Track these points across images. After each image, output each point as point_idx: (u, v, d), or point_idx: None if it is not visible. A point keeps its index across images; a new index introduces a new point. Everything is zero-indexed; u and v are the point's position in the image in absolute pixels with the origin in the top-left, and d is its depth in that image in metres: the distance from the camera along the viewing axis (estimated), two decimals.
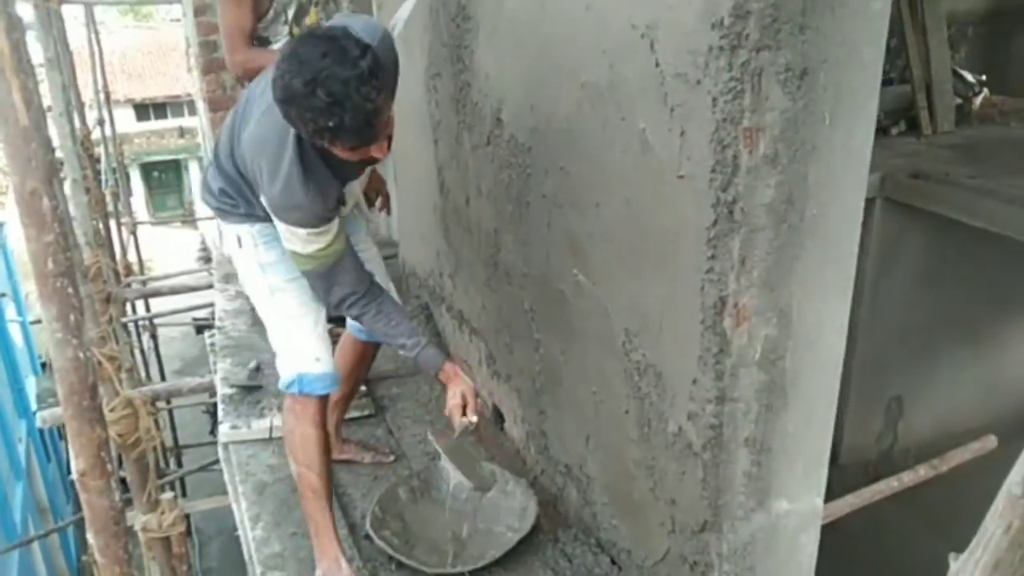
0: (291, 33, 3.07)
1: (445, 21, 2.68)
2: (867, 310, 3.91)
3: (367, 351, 2.53)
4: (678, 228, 1.59)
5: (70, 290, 1.37)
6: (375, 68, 1.61)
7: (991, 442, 2.71)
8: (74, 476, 1.46)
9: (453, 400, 2.01)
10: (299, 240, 1.87)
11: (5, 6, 1.26)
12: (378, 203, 2.56)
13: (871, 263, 3.83)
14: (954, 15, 4.81)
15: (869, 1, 1.38)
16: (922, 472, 2.61)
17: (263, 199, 1.89)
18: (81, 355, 1.40)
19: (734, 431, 1.59)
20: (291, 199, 1.80)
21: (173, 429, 8.16)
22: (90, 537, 1.52)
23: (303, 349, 2.07)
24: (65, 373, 1.40)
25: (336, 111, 1.59)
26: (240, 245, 2.09)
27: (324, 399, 2.12)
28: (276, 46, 2.96)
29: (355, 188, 2.17)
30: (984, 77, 4.86)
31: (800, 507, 1.72)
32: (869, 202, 3.63)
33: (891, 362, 4.07)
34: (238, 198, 2.04)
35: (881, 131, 4.55)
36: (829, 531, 2.37)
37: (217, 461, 4.62)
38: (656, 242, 1.68)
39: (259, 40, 2.87)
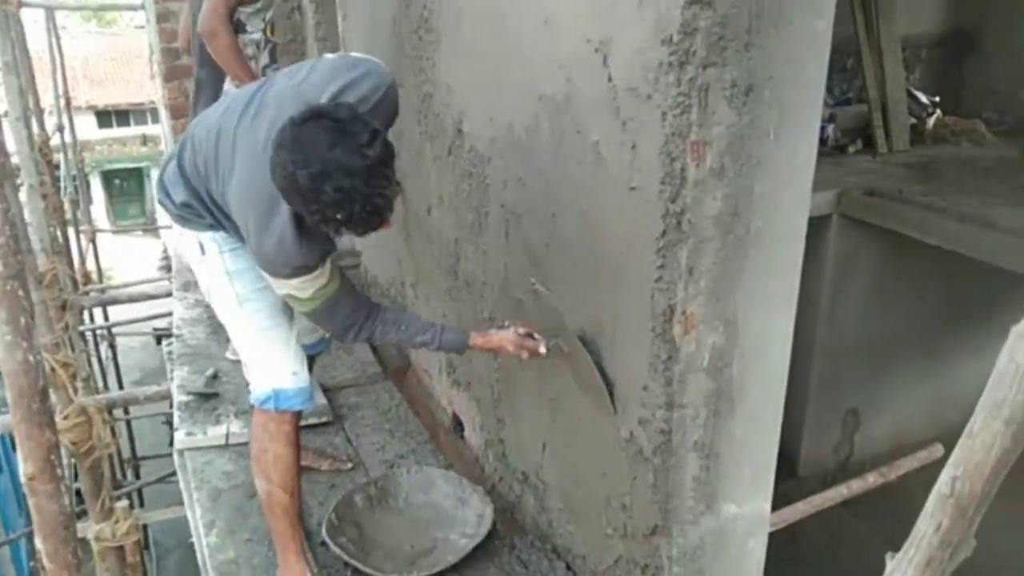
0: (266, 33, 3.10)
1: (407, 33, 2.71)
2: (824, 324, 4.00)
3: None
4: (630, 238, 1.63)
5: (20, 293, 1.37)
6: (386, 156, 1.55)
7: (938, 451, 2.78)
8: (22, 480, 1.45)
9: (518, 351, 1.94)
10: (294, 288, 1.79)
11: None
12: None
13: (828, 278, 3.92)
14: (909, 38, 4.96)
15: (813, 20, 1.43)
16: (871, 480, 2.67)
17: (251, 250, 1.80)
18: (31, 358, 1.40)
19: (683, 436, 1.63)
20: (283, 256, 1.72)
21: (131, 440, 8.01)
22: (38, 543, 1.50)
23: (278, 363, 1.97)
24: (15, 376, 1.40)
25: (346, 205, 1.52)
26: (203, 252, 1.97)
27: (298, 416, 2.03)
28: (248, 37, 3.00)
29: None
30: (937, 99, 5.01)
31: (748, 511, 1.76)
32: (825, 218, 3.78)
33: (848, 375, 4.17)
34: (205, 215, 1.93)
35: (838, 149, 4.68)
36: (789, 542, 2.42)
37: (175, 472, 4.56)
38: (609, 252, 1.72)
39: (235, 24, 2.90)
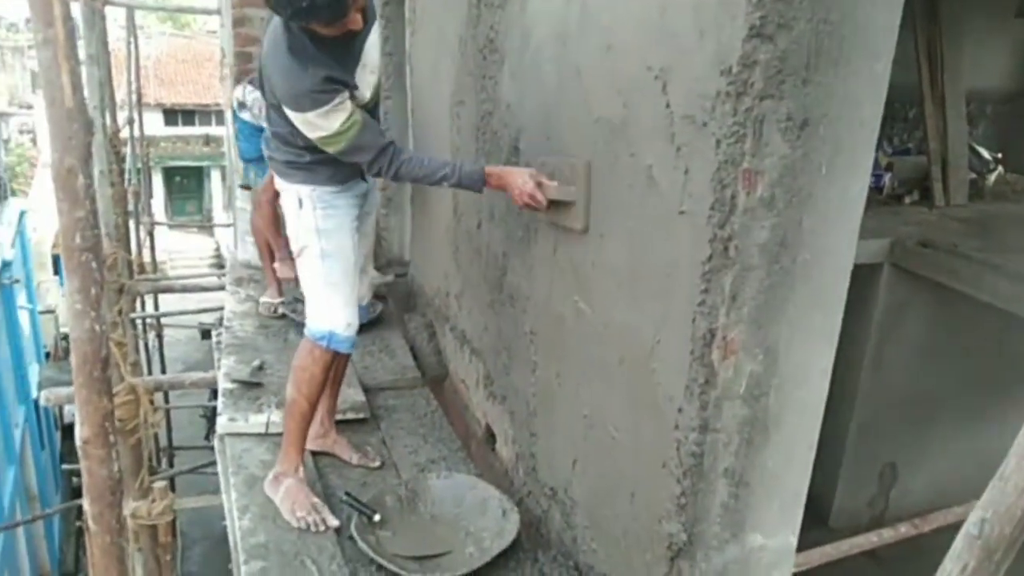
0: None
1: (472, 52, 2.78)
2: (868, 374, 3.93)
3: None
4: (675, 261, 1.66)
5: (93, 264, 1.45)
6: None
7: (973, 507, 2.73)
8: (78, 443, 1.52)
9: (521, 198, 2.13)
10: (322, 121, 2.04)
11: None
12: None
13: (875, 328, 3.86)
14: (974, 92, 4.90)
15: (872, 62, 1.46)
16: (903, 530, 2.64)
17: (284, 106, 2.08)
18: (97, 328, 1.47)
19: (714, 461, 1.64)
20: (296, 85, 2.01)
21: (168, 430, 8.20)
22: (86, 505, 1.57)
23: (338, 313, 2.32)
24: (80, 343, 1.48)
25: None
26: (300, 206, 2.28)
27: (337, 353, 2.38)
28: None
29: (369, 78, 2.23)
30: (1000, 155, 4.94)
31: (775, 544, 1.76)
32: (877, 267, 3.74)
33: (888, 428, 4.09)
34: (290, 148, 2.23)
35: (895, 199, 4.63)
36: None
37: (208, 464, 4.66)
38: (653, 274, 1.75)
39: None
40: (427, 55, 3.56)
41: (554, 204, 2.10)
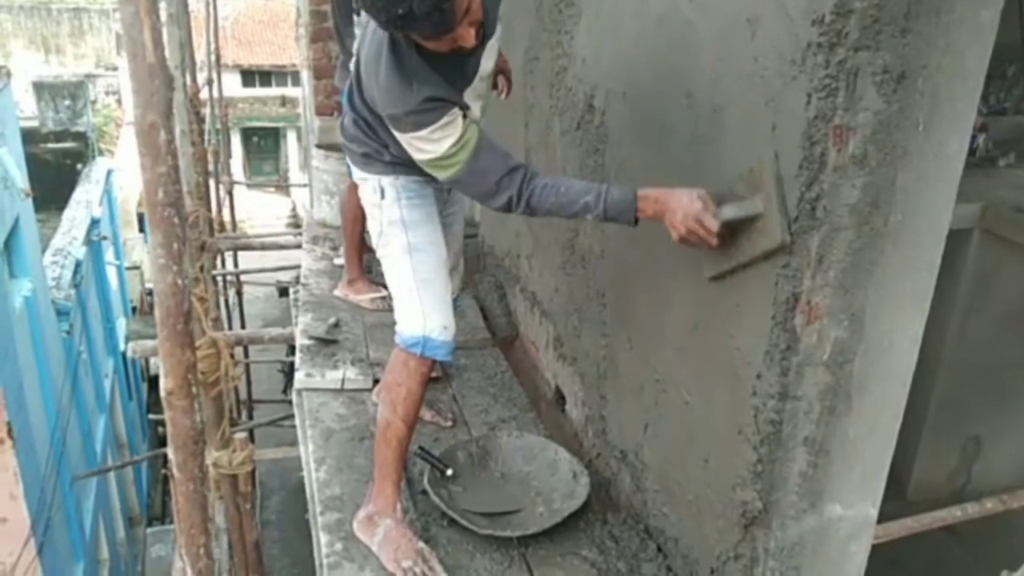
0: None
1: (548, 6, 2.72)
2: (952, 344, 3.77)
3: None
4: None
5: (175, 220, 1.47)
6: None
7: None
8: (162, 394, 1.57)
9: (684, 224, 1.64)
10: (427, 145, 1.80)
11: None
12: (500, 83, 2.41)
13: (962, 295, 3.69)
14: None
15: (979, 9, 1.36)
16: (989, 505, 2.54)
17: (386, 120, 1.85)
18: (180, 281, 1.50)
19: (794, 429, 1.59)
20: (396, 103, 1.76)
21: (248, 384, 8.48)
22: (170, 453, 1.63)
23: (433, 314, 2.07)
24: (164, 297, 1.51)
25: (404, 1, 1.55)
26: (383, 197, 2.09)
27: (434, 362, 2.13)
28: None
29: (480, 88, 2.00)
30: None
31: (853, 514, 1.70)
32: (966, 233, 3.56)
33: (972, 401, 3.92)
34: (374, 140, 2.04)
35: (988, 161, 4.39)
36: (889, 565, 2.32)
37: (286, 417, 4.79)
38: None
39: None
40: (500, 10, 3.50)
41: (729, 230, 1.63)
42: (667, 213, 1.67)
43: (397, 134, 1.85)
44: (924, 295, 1.55)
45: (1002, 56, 4.68)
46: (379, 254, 2.17)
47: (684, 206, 1.64)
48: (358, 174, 2.16)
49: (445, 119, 1.76)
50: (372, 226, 2.18)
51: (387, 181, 2.08)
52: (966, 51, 1.38)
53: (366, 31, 1.90)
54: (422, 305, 2.07)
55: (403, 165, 2.02)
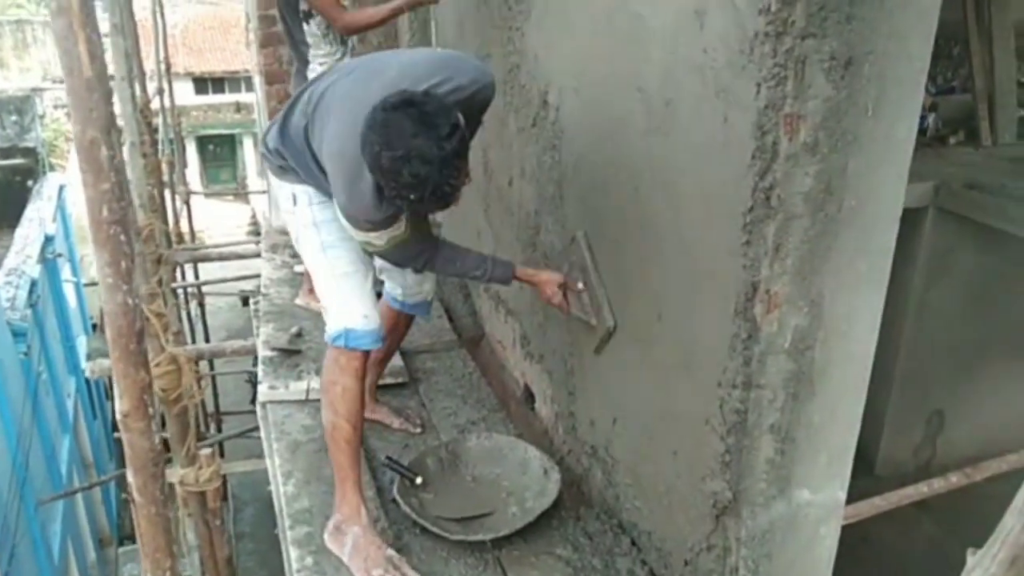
0: None
1: (497, 3, 2.71)
2: (913, 321, 3.83)
3: (401, 321, 2.61)
4: (714, 212, 1.60)
5: (122, 237, 1.44)
6: (460, 149, 1.72)
7: None
8: (118, 417, 1.53)
9: (553, 299, 2.24)
10: (370, 236, 1.98)
11: None
12: None
13: (920, 274, 3.75)
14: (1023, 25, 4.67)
15: None
16: (954, 479, 2.57)
17: (336, 204, 1.97)
18: (130, 301, 1.46)
19: (759, 418, 1.60)
20: (365, 215, 1.92)
21: (215, 395, 8.36)
22: (130, 477, 1.59)
23: (352, 305, 2.11)
24: (114, 317, 1.47)
25: (419, 189, 1.71)
26: (295, 203, 2.17)
27: (367, 354, 2.15)
28: None
29: None
30: None
31: (822, 498, 1.72)
32: (921, 211, 3.62)
33: (935, 375, 3.99)
34: (299, 170, 2.11)
35: (939, 140, 4.46)
36: (861, 542, 2.34)
37: (255, 428, 4.72)
38: (691, 226, 1.70)
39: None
40: (451, 9, 3.48)
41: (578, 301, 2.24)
42: (538, 285, 2.28)
43: (344, 221, 1.99)
44: (881, 278, 1.56)
45: (946, 35, 4.77)
46: (302, 259, 2.26)
47: (547, 293, 2.26)
48: (274, 180, 2.25)
49: (393, 227, 1.97)
50: (291, 231, 2.27)
51: (299, 189, 2.16)
52: (911, 35, 1.39)
53: (336, 94, 1.96)
54: (340, 298, 2.13)
55: (315, 178, 2.10)
